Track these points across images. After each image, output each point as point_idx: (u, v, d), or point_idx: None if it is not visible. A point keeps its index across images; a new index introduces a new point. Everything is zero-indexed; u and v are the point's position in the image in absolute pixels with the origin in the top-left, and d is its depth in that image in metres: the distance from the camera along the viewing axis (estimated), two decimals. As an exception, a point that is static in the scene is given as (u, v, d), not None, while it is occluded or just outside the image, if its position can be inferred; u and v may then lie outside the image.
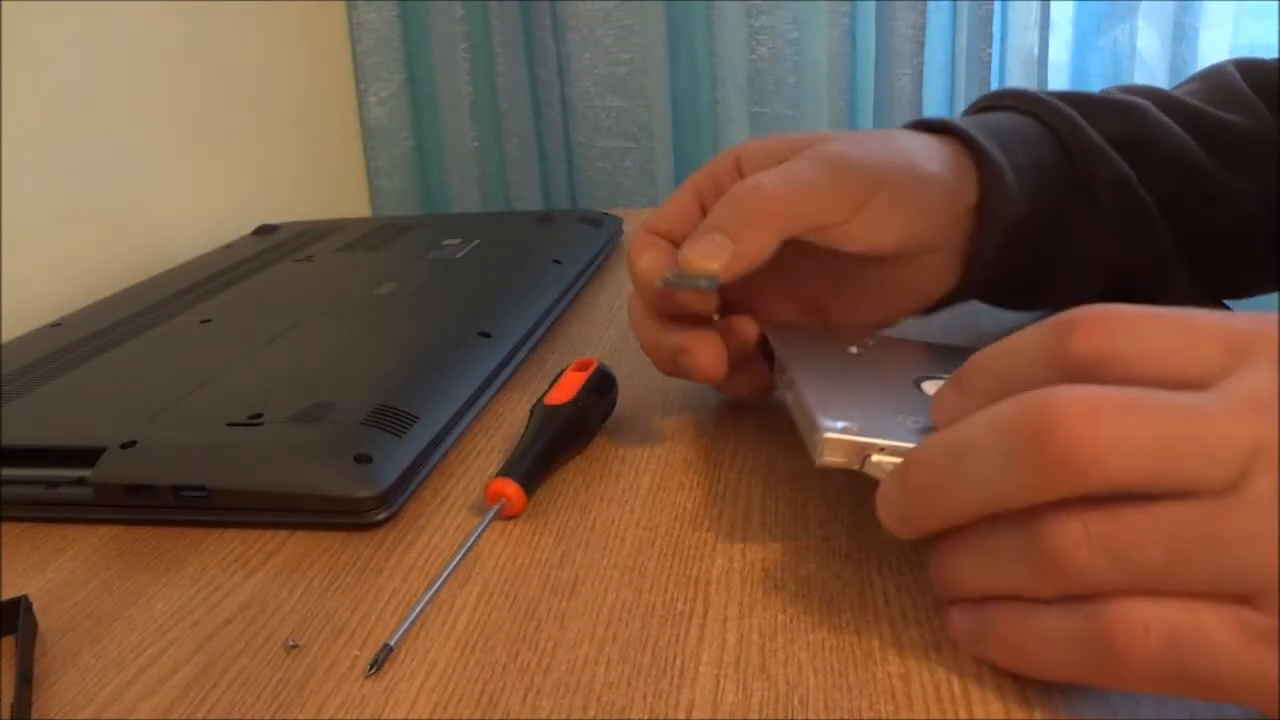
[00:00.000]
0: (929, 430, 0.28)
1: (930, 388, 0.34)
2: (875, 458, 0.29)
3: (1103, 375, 0.24)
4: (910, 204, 0.39)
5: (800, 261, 0.41)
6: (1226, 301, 0.51)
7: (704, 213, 0.40)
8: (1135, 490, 0.23)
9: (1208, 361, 0.24)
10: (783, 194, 0.37)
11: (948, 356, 0.38)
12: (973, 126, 0.43)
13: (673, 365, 0.41)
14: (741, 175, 0.41)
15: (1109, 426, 0.23)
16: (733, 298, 0.42)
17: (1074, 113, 0.45)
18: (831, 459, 0.29)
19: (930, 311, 0.46)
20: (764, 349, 0.41)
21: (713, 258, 0.37)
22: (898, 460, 0.28)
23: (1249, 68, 0.50)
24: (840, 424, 0.29)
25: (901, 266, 0.42)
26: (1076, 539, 0.24)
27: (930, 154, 0.41)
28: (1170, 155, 0.46)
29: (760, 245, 0.37)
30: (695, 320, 0.41)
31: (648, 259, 0.40)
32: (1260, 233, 0.47)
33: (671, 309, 0.41)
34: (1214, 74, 0.51)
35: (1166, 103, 0.48)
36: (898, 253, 0.40)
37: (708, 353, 0.39)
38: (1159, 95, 0.49)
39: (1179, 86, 0.52)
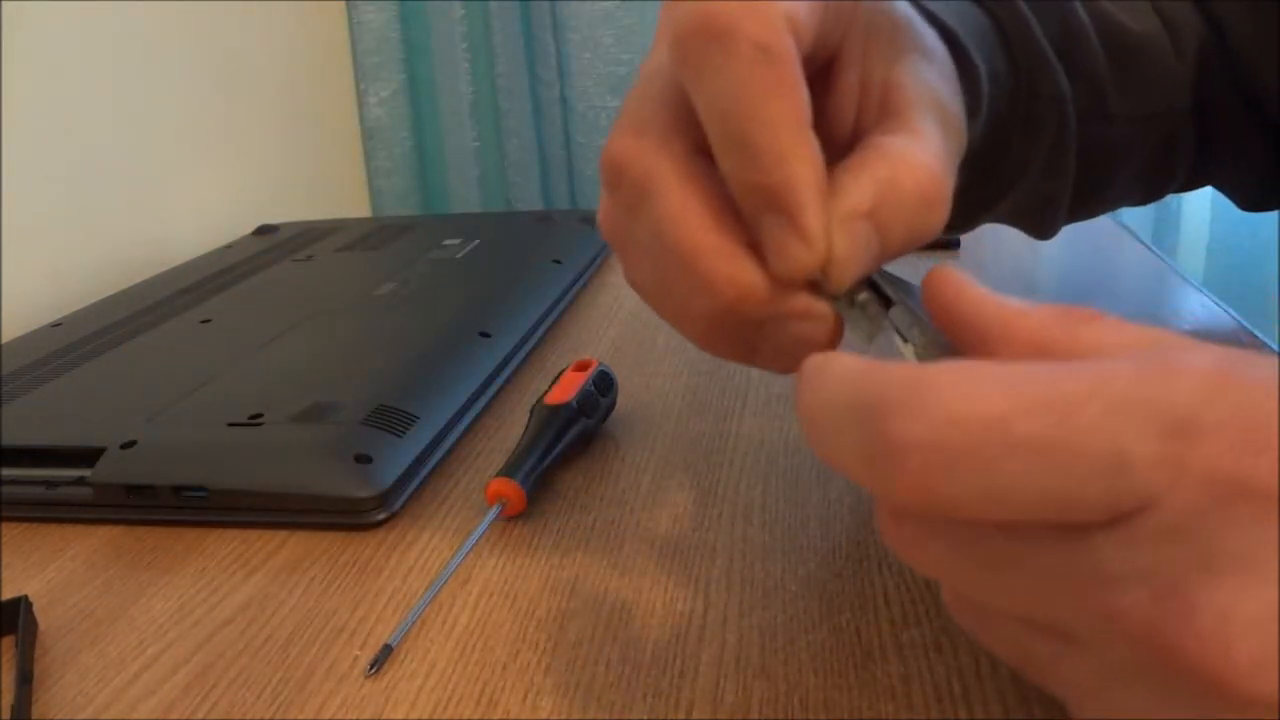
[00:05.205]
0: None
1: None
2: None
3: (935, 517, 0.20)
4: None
5: None
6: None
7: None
8: None
9: (1090, 509, 0.18)
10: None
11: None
12: (949, 16, 0.35)
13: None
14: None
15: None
16: None
17: (1027, 10, 0.39)
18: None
19: None
20: None
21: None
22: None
23: None
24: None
25: None
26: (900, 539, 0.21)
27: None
28: (1083, 67, 0.41)
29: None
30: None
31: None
32: (1121, 157, 0.44)
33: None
34: None
35: None
36: None
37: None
38: None
39: None
